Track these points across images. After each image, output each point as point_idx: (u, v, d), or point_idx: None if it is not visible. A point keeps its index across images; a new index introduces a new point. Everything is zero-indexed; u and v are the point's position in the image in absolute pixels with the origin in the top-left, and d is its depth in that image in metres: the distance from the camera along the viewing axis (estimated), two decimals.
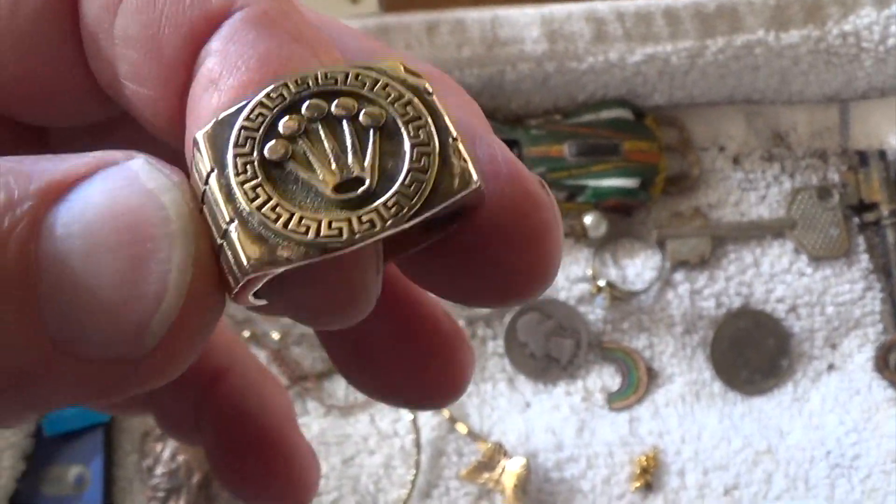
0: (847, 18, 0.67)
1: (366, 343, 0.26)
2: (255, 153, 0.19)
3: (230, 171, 0.19)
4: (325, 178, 0.19)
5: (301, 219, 0.18)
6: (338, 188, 0.19)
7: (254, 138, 0.19)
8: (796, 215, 0.69)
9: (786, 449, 0.67)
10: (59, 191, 0.18)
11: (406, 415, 0.68)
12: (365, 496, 0.67)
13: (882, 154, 0.70)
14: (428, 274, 0.23)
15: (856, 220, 0.70)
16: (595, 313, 0.69)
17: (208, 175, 0.19)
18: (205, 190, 0.19)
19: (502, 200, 0.21)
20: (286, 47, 0.20)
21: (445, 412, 0.68)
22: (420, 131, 0.19)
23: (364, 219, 0.18)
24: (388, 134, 0.19)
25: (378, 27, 0.67)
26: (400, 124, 0.19)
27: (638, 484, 0.66)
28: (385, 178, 0.19)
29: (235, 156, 0.19)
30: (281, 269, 0.18)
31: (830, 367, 0.69)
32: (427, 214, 0.19)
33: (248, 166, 0.19)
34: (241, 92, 0.20)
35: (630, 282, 0.69)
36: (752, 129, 0.71)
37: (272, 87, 0.19)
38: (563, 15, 0.67)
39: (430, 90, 0.20)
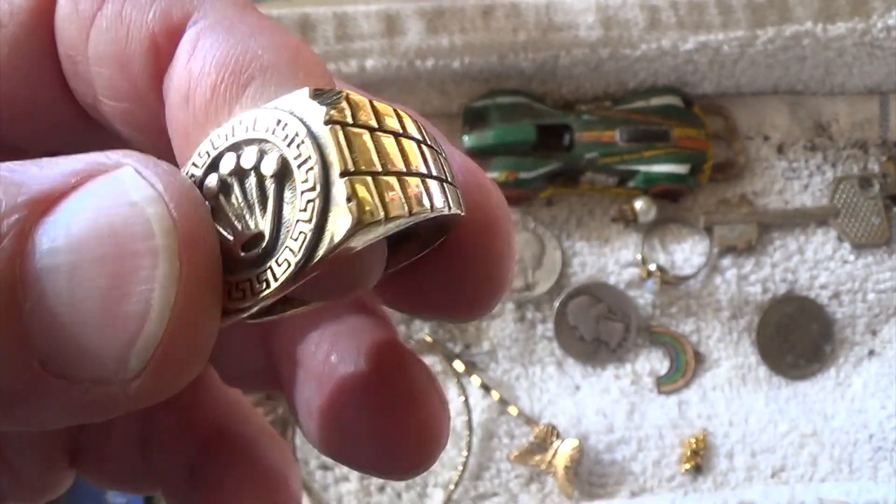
0: (891, 12, 0.68)
1: (328, 388, 0.25)
2: None
3: None
4: (233, 237, 0.19)
5: (224, 283, 0.19)
6: (245, 246, 0.19)
7: None
8: (839, 204, 0.71)
9: (830, 432, 0.68)
10: (48, 204, 0.17)
11: (457, 397, 0.68)
12: (415, 478, 0.67)
13: None
14: (400, 291, 0.23)
15: (895, 209, 0.71)
16: (644, 297, 0.69)
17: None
18: None
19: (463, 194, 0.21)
20: (243, 45, 0.20)
21: (495, 394, 0.68)
22: (308, 174, 0.19)
23: (262, 277, 0.19)
24: (288, 180, 0.19)
25: (434, 10, 0.67)
26: (293, 168, 0.19)
27: (688, 466, 0.67)
28: (283, 229, 0.19)
29: None
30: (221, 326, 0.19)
31: (871, 352, 0.70)
32: (311, 268, 0.18)
33: None
34: (210, 100, 0.20)
35: (678, 267, 0.70)
36: (795, 119, 0.72)
37: (200, 147, 0.20)
38: (617, 2, 0.67)
39: (337, 115, 0.19)
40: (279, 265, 0.18)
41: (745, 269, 0.70)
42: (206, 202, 0.19)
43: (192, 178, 0.19)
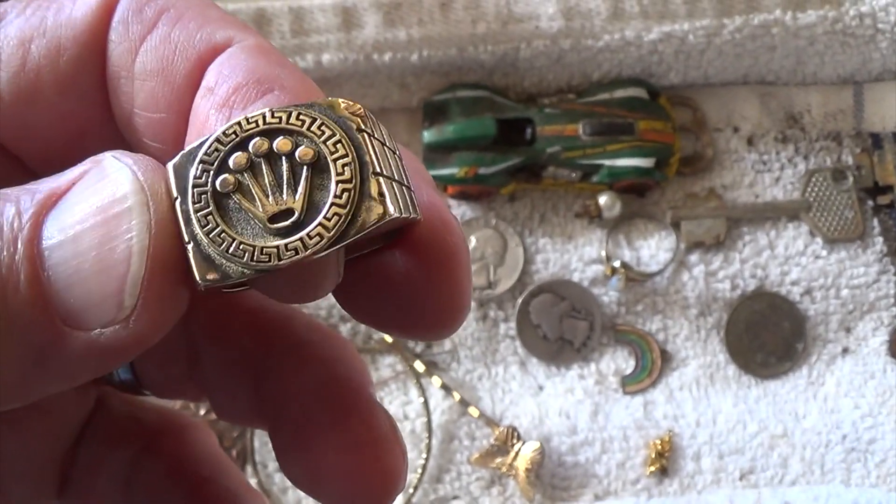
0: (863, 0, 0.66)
1: (306, 431, 0.28)
2: (209, 185, 0.23)
3: (189, 199, 0.23)
4: (262, 209, 0.23)
5: (240, 244, 0.22)
6: (272, 218, 0.23)
7: (209, 171, 0.23)
8: (811, 197, 0.69)
9: (801, 433, 0.66)
10: (54, 199, 0.22)
11: (416, 398, 0.67)
12: None
13: None
14: (364, 307, 0.27)
15: (870, 202, 0.69)
16: (609, 295, 0.68)
17: (174, 200, 0.23)
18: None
19: (425, 228, 0.25)
20: (271, 67, 0.24)
21: (456, 395, 0.66)
22: (345, 168, 0.23)
23: (290, 246, 0.22)
24: (319, 169, 0.23)
25: (391, 2, 0.66)
26: (329, 161, 0.23)
27: (653, 468, 0.65)
28: (313, 209, 0.23)
29: (194, 186, 0.23)
30: (224, 284, 0.23)
31: (845, 350, 0.68)
32: (342, 244, 0.22)
33: (203, 196, 0.23)
34: (233, 94, 0.24)
35: (644, 263, 0.68)
36: (766, 110, 0.70)
37: (228, 125, 0.23)
38: None
39: (364, 126, 0.23)
40: (311, 238, 0.22)
41: (714, 266, 0.68)
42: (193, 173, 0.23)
43: (217, 151, 0.23)
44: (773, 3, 0.66)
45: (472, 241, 0.68)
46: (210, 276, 0.23)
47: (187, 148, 0.23)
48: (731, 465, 0.65)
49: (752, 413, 0.66)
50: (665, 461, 0.65)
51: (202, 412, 0.65)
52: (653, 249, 0.68)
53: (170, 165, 0.23)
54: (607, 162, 0.66)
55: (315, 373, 0.29)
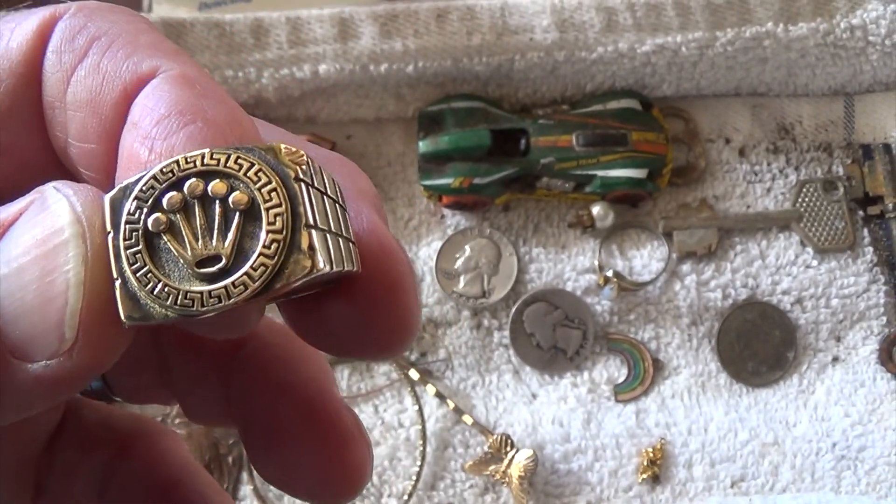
0: (855, 12, 0.67)
1: (276, 431, 0.29)
2: (141, 223, 0.22)
3: (121, 235, 0.23)
4: (190, 252, 0.22)
5: (165, 286, 0.22)
6: (200, 263, 0.22)
7: (142, 209, 0.22)
8: (802, 208, 0.69)
9: (792, 441, 0.67)
10: (1, 231, 0.23)
11: (411, 406, 0.67)
12: (369, 488, 0.66)
13: (886, 147, 0.70)
14: (312, 331, 0.27)
15: (860, 213, 0.70)
16: (602, 304, 0.68)
17: (107, 234, 0.23)
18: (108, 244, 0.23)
19: (365, 256, 0.25)
20: (194, 98, 0.24)
21: (451, 403, 0.67)
22: (277, 218, 0.22)
23: (214, 293, 0.22)
24: (252, 216, 0.22)
25: (387, 14, 0.67)
26: (262, 209, 0.22)
27: (645, 476, 0.66)
28: (241, 256, 0.22)
29: (127, 222, 0.23)
30: (148, 324, 0.22)
31: (835, 359, 0.69)
32: (266, 296, 0.22)
33: (134, 234, 0.22)
34: (154, 126, 0.24)
35: (637, 273, 0.68)
36: (757, 121, 0.71)
37: (166, 162, 0.23)
38: (573, 4, 0.66)
39: (303, 175, 0.23)
40: (235, 287, 0.22)
41: (705, 275, 0.68)
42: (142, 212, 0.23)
43: (153, 189, 0.23)
44: (765, 16, 0.67)
45: (467, 251, 0.69)
46: (134, 315, 0.22)
47: (125, 182, 0.23)
48: (722, 472, 0.66)
49: (743, 421, 0.67)
50: (657, 469, 0.66)
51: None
52: (645, 259, 0.69)
53: (106, 198, 0.23)
54: (600, 172, 0.67)
55: (280, 374, 0.29)
